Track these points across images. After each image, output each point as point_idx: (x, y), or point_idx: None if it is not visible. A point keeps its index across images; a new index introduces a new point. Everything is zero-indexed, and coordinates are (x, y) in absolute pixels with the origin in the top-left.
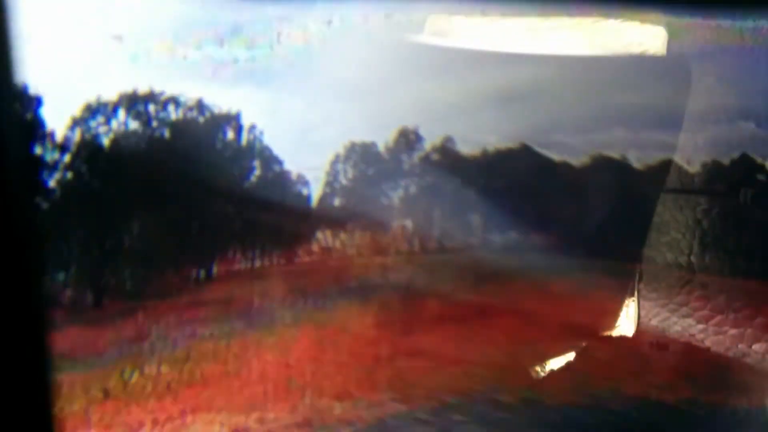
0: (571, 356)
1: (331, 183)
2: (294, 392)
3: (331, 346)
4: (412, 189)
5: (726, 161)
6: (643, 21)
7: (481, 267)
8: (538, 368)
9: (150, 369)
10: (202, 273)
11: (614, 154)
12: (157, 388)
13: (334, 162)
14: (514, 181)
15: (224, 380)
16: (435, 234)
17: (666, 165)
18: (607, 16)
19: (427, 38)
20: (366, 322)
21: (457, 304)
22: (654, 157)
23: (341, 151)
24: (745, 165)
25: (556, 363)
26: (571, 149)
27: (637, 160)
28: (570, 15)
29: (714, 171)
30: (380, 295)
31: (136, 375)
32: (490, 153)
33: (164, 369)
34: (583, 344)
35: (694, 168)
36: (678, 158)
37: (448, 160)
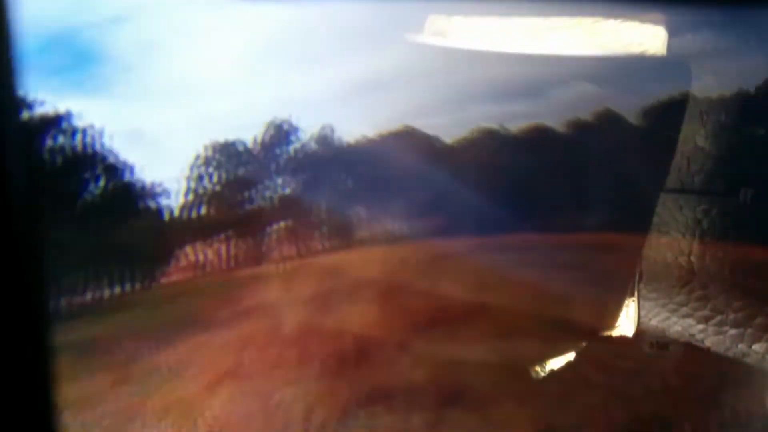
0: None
1: (194, 190)
2: None
3: (249, 397)
4: (292, 185)
5: (726, 161)
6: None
7: (386, 261)
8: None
9: None
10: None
11: (492, 125)
12: None
13: (195, 166)
14: (401, 166)
15: None
16: (322, 232)
17: (537, 130)
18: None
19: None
20: (283, 356)
21: (380, 309)
22: (526, 125)
23: (202, 153)
24: (745, 164)
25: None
26: (445, 128)
27: (513, 129)
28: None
29: (714, 171)
30: (283, 313)
31: None
32: (374, 139)
33: None
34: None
35: (693, 168)
36: (678, 158)
37: (328, 151)
